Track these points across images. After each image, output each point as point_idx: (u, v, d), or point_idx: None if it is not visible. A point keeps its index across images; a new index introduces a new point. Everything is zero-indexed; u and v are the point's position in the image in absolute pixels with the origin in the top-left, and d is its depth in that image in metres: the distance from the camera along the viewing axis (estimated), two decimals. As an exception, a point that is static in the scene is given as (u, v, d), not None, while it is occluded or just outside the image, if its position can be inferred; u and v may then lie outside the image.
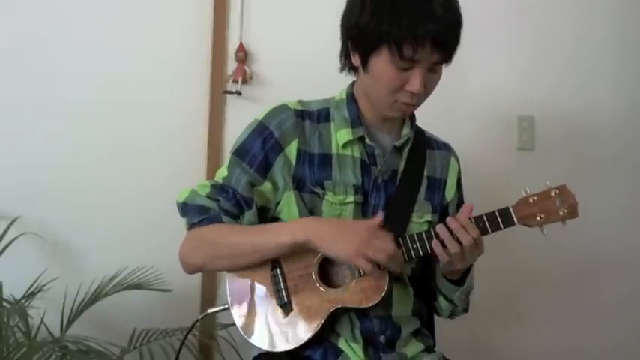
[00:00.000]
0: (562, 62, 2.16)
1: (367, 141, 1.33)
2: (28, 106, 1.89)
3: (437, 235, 1.24)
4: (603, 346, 2.12)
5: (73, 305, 1.71)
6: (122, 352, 1.66)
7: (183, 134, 1.97)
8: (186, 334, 1.43)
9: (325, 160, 1.32)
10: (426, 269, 1.42)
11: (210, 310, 1.41)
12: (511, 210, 1.25)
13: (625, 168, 2.19)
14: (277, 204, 1.33)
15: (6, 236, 1.77)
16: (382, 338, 1.31)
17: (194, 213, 1.32)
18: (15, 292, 1.68)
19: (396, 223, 1.31)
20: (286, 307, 1.28)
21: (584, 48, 2.18)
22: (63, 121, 1.90)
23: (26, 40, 1.90)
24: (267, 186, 1.32)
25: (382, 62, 1.23)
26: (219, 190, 1.32)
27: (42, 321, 1.64)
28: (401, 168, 1.37)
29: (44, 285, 1.71)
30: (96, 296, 1.71)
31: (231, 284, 1.33)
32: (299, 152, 1.31)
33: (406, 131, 1.38)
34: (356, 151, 1.34)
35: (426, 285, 1.44)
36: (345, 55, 1.34)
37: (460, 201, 1.50)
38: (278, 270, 1.29)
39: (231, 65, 1.98)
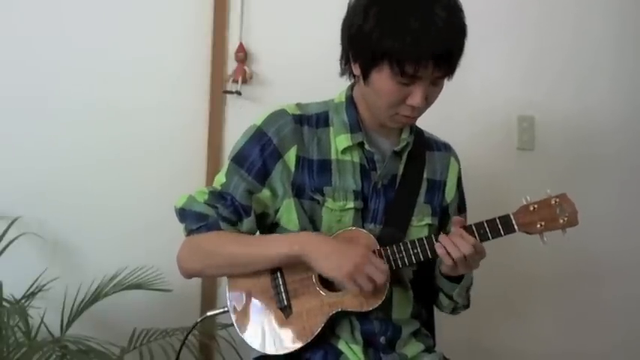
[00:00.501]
0: (562, 62, 2.16)
1: (366, 146, 1.33)
2: (28, 107, 1.89)
3: (440, 243, 1.24)
4: (603, 346, 2.12)
5: (73, 305, 1.71)
6: (122, 352, 1.66)
7: (183, 134, 1.97)
8: (186, 336, 1.43)
9: (324, 165, 1.32)
10: (428, 269, 1.42)
11: (209, 313, 1.40)
12: (512, 217, 1.25)
13: (625, 168, 2.19)
14: (277, 211, 1.33)
15: (6, 236, 1.77)
16: (382, 339, 1.31)
17: (192, 219, 1.32)
18: (15, 292, 1.68)
19: (395, 227, 1.32)
20: (286, 311, 1.28)
21: (584, 48, 2.17)
22: (63, 121, 1.90)
23: (26, 41, 1.90)
24: (265, 193, 1.31)
25: (383, 77, 1.22)
26: (218, 196, 1.32)
27: (42, 321, 1.64)
28: (400, 172, 1.37)
29: (44, 285, 1.71)
30: (96, 296, 1.71)
31: (231, 287, 1.33)
32: (298, 159, 1.31)
33: (405, 135, 1.37)
34: (355, 157, 1.34)
35: (428, 284, 1.44)
36: (345, 61, 1.32)
37: (461, 201, 1.50)
38: (278, 273, 1.29)
39: (231, 65, 1.98)
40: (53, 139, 1.89)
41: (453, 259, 1.23)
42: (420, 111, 1.28)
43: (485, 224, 1.25)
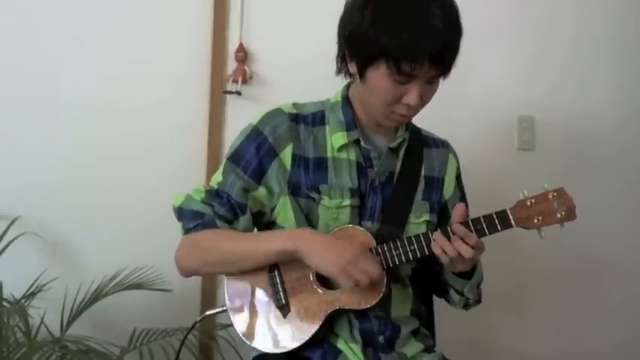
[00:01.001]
0: (562, 62, 2.16)
1: (362, 144, 1.33)
2: (28, 107, 1.88)
3: (436, 242, 1.24)
4: (603, 346, 2.12)
5: (73, 305, 1.71)
6: (122, 352, 1.66)
7: (183, 134, 1.97)
8: (185, 336, 1.43)
9: (321, 163, 1.32)
10: (435, 264, 1.41)
11: (208, 312, 1.41)
12: (509, 212, 1.25)
13: (625, 168, 2.19)
14: (273, 209, 1.34)
15: (6, 236, 1.77)
16: (381, 338, 1.31)
17: (189, 218, 1.33)
18: (15, 292, 1.68)
19: (393, 225, 1.32)
20: (284, 309, 1.28)
21: (584, 48, 2.18)
22: (63, 121, 1.90)
23: (27, 41, 1.90)
24: (261, 191, 1.32)
25: (379, 75, 1.22)
26: (214, 195, 1.32)
27: (42, 321, 1.64)
28: (397, 169, 1.37)
29: (44, 285, 1.71)
30: (96, 296, 1.70)
31: (229, 286, 1.33)
32: (294, 157, 1.31)
33: (401, 132, 1.38)
34: (352, 154, 1.34)
35: (436, 279, 1.44)
36: (342, 59, 1.33)
37: (462, 197, 1.49)
38: (276, 272, 1.29)
39: (231, 65, 1.98)
40: (53, 139, 1.89)
41: (449, 257, 1.23)
42: (415, 110, 1.28)
43: (482, 219, 1.25)
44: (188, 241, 1.34)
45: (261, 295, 1.30)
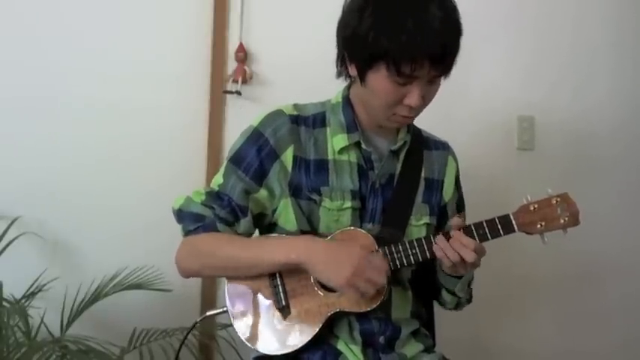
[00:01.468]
0: (562, 63, 2.16)
1: (363, 146, 1.33)
2: (28, 107, 1.88)
3: (437, 245, 1.24)
4: (603, 346, 2.12)
5: (73, 305, 1.71)
6: (122, 352, 1.66)
7: (183, 134, 1.97)
8: (185, 336, 1.43)
9: (321, 165, 1.32)
10: (427, 269, 1.42)
11: (209, 313, 1.41)
12: (511, 217, 1.24)
13: (625, 168, 2.19)
14: (274, 211, 1.33)
15: (6, 236, 1.77)
16: (382, 339, 1.31)
17: (189, 220, 1.33)
18: (15, 292, 1.68)
19: (394, 227, 1.31)
20: (285, 311, 1.28)
21: (583, 48, 2.18)
22: (63, 121, 1.90)
23: (27, 41, 1.90)
24: (262, 193, 1.32)
25: (380, 77, 1.22)
26: (215, 197, 1.32)
27: (42, 321, 1.64)
28: (398, 171, 1.37)
29: (44, 285, 1.71)
30: (96, 296, 1.70)
31: (229, 287, 1.33)
32: (295, 159, 1.31)
33: (402, 134, 1.37)
34: (352, 156, 1.34)
35: (428, 283, 1.44)
36: (342, 62, 1.32)
37: (459, 200, 1.49)
38: (277, 274, 1.29)
39: (231, 65, 1.98)
40: (53, 139, 1.89)
41: (451, 261, 1.22)
42: (417, 111, 1.28)
43: (485, 224, 1.24)
44: (188, 244, 1.33)
45: (261, 297, 1.30)
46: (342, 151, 1.33)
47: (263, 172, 1.31)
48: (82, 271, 1.84)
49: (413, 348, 1.35)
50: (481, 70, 2.05)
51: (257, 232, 1.39)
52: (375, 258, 1.24)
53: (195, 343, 1.77)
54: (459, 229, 1.24)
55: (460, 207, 1.49)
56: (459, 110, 2.06)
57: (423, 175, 1.40)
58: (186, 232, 1.34)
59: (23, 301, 1.66)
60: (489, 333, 2.09)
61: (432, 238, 1.26)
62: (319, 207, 1.30)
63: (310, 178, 1.31)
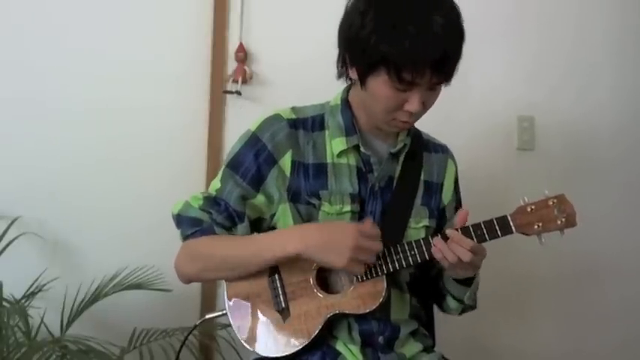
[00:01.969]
0: (563, 63, 2.16)
1: (362, 149, 1.32)
2: (29, 107, 1.89)
3: (435, 247, 1.24)
4: (603, 347, 2.12)
5: (73, 305, 1.71)
6: (122, 352, 1.66)
7: (183, 134, 1.97)
8: (185, 338, 1.43)
9: (320, 169, 1.31)
10: (431, 269, 1.42)
11: (208, 316, 1.40)
12: (509, 218, 1.25)
13: (625, 168, 2.19)
14: (272, 215, 1.33)
15: (6, 236, 1.77)
16: (381, 339, 1.31)
17: (187, 225, 1.33)
18: (15, 292, 1.68)
19: (393, 230, 1.31)
20: (284, 313, 1.28)
21: (585, 49, 2.18)
22: (63, 121, 1.90)
23: (26, 41, 1.90)
24: (260, 199, 1.31)
25: (380, 83, 1.21)
26: (212, 202, 1.32)
27: (42, 321, 1.64)
28: (397, 174, 1.36)
29: (44, 285, 1.72)
30: (96, 296, 1.71)
31: (229, 289, 1.33)
32: (293, 163, 1.31)
33: (402, 137, 1.37)
34: (351, 160, 1.33)
35: (433, 285, 1.44)
36: (342, 64, 1.31)
37: (458, 203, 1.49)
38: (276, 276, 1.29)
39: (231, 65, 1.98)
40: (53, 139, 1.89)
41: (450, 262, 1.22)
42: (417, 116, 1.27)
43: (483, 225, 1.24)
44: (187, 248, 1.34)
45: (260, 299, 1.30)
46: (340, 154, 1.32)
47: (260, 177, 1.30)
48: (82, 271, 1.84)
49: (412, 348, 1.35)
50: (481, 70, 2.05)
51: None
52: (366, 226, 1.24)
53: (196, 344, 1.77)
54: (457, 229, 1.24)
55: (458, 210, 1.49)
56: (459, 110, 2.06)
57: (422, 177, 1.40)
58: (185, 237, 1.34)
59: (23, 301, 1.66)
60: (489, 333, 2.09)
61: (430, 239, 1.26)
62: (318, 211, 1.29)
63: (309, 182, 1.30)
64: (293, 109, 1.36)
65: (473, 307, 1.46)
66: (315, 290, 1.27)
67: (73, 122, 1.90)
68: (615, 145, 2.18)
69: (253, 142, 1.32)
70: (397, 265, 1.26)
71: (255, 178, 1.30)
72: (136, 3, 1.96)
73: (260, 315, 1.29)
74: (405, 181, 1.36)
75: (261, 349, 1.28)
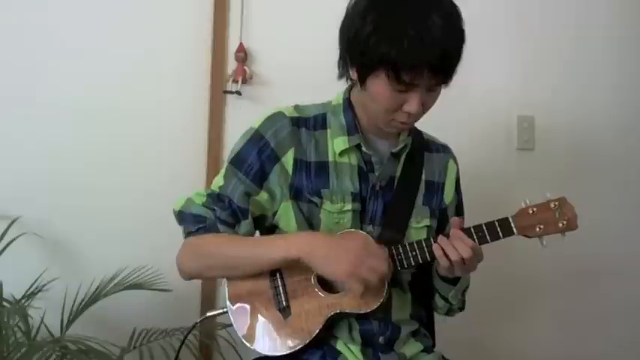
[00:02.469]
0: (563, 62, 2.16)
1: (364, 149, 1.33)
2: (28, 107, 1.89)
3: (438, 244, 1.24)
4: (603, 348, 2.12)
5: (73, 305, 1.71)
6: (122, 352, 1.66)
7: (183, 134, 1.97)
8: (185, 337, 1.43)
9: (322, 168, 1.32)
10: (427, 271, 1.42)
11: (209, 314, 1.41)
12: (511, 220, 1.25)
13: (625, 168, 2.19)
14: (275, 213, 1.33)
15: (6, 236, 1.77)
16: (381, 339, 1.31)
17: (190, 222, 1.33)
18: (15, 292, 1.68)
19: (394, 229, 1.31)
20: (285, 312, 1.28)
21: (585, 48, 2.18)
22: (63, 121, 1.90)
23: (27, 41, 1.90)
24: (263, 196, 1.32)
25: (379, 84, 1.21)
26: (215, 199, 1.32)
27: (42, 321, 1.64)
28: (398, 173, 1.37)
29: (44, 285, 1.71)
30: (96, 296, 1.70)
31: (230, 288, 1.33)
32: (295, 161, 1.31)
33: (403, 137, 1.37)
34: (353, 159, 1.33)
35: (426, 285, 1.44)
36: (343, 64, 1.32)
37: (459, 203, 1.49)
38: (278, 275, 1.29)
39: (231, 65, 1.98)
40: (53, 139, 1.89)
41: (451, 261, 1.23)
42: (416, 117, 1.28)
43: (484, 227, 1.25)
44: (189, 245, 1.33)
45: (262, 298, 1.30)
46: (342, 153, 1.33)
47: (263, 174, 1.31)
48: (82, 271, 1.84)
49: (412, 348, 1.35)
50: (481, 69, 2.05)
51: (257, 234, 1.39)
52: (374, 247, 1.24)
53: (196, 343, 1.77)
54: (459, 229, 1.24)
55: (459, 211, 1.49)
56: (459, 110, 2.05)
57: (423, 177, 1.40)
58: (188, 234, 1.34)
59: (23, 301, 1.66)
60: (489, 333, 2.09)
61: (431, 239, 1.26)
62: (320, 210, 1.29)
63: (311, 180, 1.31)
64: (296, 107, 1.37)
65: (461, 309, 1.46)
66: (317, 289, 1.27)
67: (73, 122, 1.90)
68: (615, 145, 2.18)
69: (256, 139, 1.32)
70: (398, 266, 1.26)
71: (259, 174, 1.31)
72: (136, 3, 1.96)
73: (261, 313, 1.29)
74: (406, 181, 1.37)
75: (261, 347, 1.28)
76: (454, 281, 1.35)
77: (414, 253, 1.26)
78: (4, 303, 1.62)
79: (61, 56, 1.91)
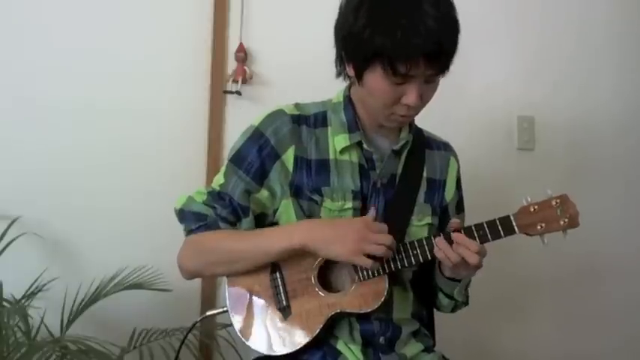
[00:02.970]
0: (563, 62, 2.16)
1: (365, 146, 1.33)
2: (28, 107, 1.89)
3: (438, 247, 1.23)
4: (604, 348, 2.12)
5: (73, 305, 1.70)
6: (122, 352, 1.66)
7: (183, 134, 1.97)
8: (185, 336, 1.43)
9: (323, 165, 1.32)
10: (428, 270, 1.41)
11: (209, 313, 1.41)
12: (512, 218, 1.24)
13: (625, 168, 2.19)
14: (275, 211, 1.33)
15: (6, 236, 1.77)
16: (382, 339, 1.31)
17: (191, 219, 1.33)
18: (15, 292, 1.68)
19: (395, 227, 1.30)
20: (285, 311, 1.28)
21: (585, 48, 2.18)
22: (63, 121, 1.90)
23: (26, 41, 1.90)
24: (263, 193, 1.32)
25: (376, 77, 1.21)
26: (216, 197, 1.32)
27: (42, 321, 1.63)
28: (399, 171, 1.36)
29: (44, 285, 1.71)
30: (96, 296, 1.70)
31: (230, 287, 1.33)
32: (296, 159, 1.31)
33: (404, 134, 1.37)
34: (354, 156, 1.33)
35: (427, 284, 1.44)
36: (340, 62, 1.32)
37: (460, 201, 1.49)
38: (278, 274, 1.29)
39: (231, 65, 1.98)
40: (53, 139, 1.89)
41: (453, 263, 1.22)
42: (416, 110, 1.27)
43: (485, 225, 1.24)
44: (191, 243, 1.34)
45: (262, 297, 1.30)
46: (343, 151, 1.33)
47: (264, 172, 1.31)
48: (82, 271, 1.84)
49: (413, 348, 1.35)
50: (481, 69, 2.05)
51: (258, 230, 1.39)
52: (374, 223, 1.23)
53: (196, 343, 1.77)
54: (459, 231, 1.24)
55: (460, 208, 1.49)
56: (458, 110, 2.06)
57: (424, 175, 1.39)
58: (189, 232, 1.34)
59: (23, 301, 1.66)
60: (489, 333, 2.09)
61: (432, 239, 1.25)
62: (320, 207, 1.29)
63: (311, 178, 1.31)
64: (296, 105, 1.37)
65: (465, 304, 1.46)
66: (317, 289, 1.27)
67: (74, 122, 1.91)
68: (615, 144, 2.18)
69: (256, 136, 1.32)
70: (399, 265, 1.26)
71: (259, 172, 1.31)
72: (136, 3, 1.96)
73: (261, 313, 1.29)
74: (408, 179, 1.36)
75: (261, 347, 1.28)
76: (456, 279, 1.34)
77: (414, 251, 1.26)
78: (4, 303, 1.62)
79: (60, 56, 1.91)
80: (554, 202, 1.24)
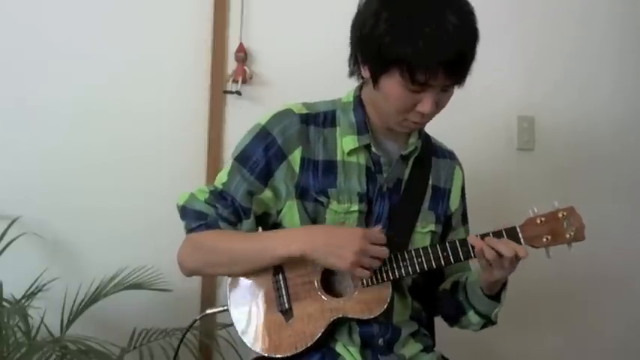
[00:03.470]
0: (563, 62, 2.16)
1: (373, 149, 1.31)
2: (29, 107, 1.89)
3: (473, 243, 1.22)
4: (604, 349, 2.12)
5: (73, 305, 1.71)
6: (122, 352, 1.66)
7: (183, 134, 1.97)
8: (184, 334, 1.43)
9: (330, 166, 1.30)
10: (432, 277, 1.41)
11: (209, 311, 1.41)
12: (518, 230, 1.23)
13: (625, 168, 2.19)
14: (279, 211, 1.32)
15: (6, 236, 1.77)
16: (381, 341, 1.30)
17: (192, 218, 1.32)
18: (15, 292, 1.68)
19: (399, 233, 1.30)
20: (287, 314, 1.27)
21: (585, 49, 2.18)
22: (63, 121, 1.90)
23: (26, 42, 1.90)
24: (267, 194, 1.31)
25: (393, 83, 1.20)
26: (218, 196, 1.31)
27: (42, 321, 1.64)
28: (405, 176, 1.35)
29: (44, 285, 1.71)
30: (96, 296, 1.71)
31: (232, 286, 1.32)
32: (303, 160, 1.29)
33: (413, 139, 1.36)
34: (361, 159, 1.32)
35: (429, 292, 1.43)
36: (354, 62, 1.30)
37: (464, 211, 1.48)
38: (281, 276, 1.28)
39: (231, 65, 1.98)
40: (53, 140, 1.89)
41: (487, 259, 1.20)
42: (429, 117, 1.26)
43: (492, 235, 1.23)
44: (191, 241, 1.33)
45: (264, 298, 1.29)
46: (351, 152, 1.31)
47: (269, 171, 1.30)
48: (82, 271, 1.84)
49: (412, 348, 1.35)
50: (481, 69, 2.03)
51: (260, 230, 1.38)
52: (373, 233, 1.23)
53: (195, 343, 1.77)
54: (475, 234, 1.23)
55: (464, 219, 1.49)
56: (458, 110, 2.02)
57: (430, 182, 1.39)
58: (189, 230, 1.33)
59: (23, 301, 1.66)
60: (489, 334, 2.08)
61: (438, 247, 1.25)
62: (326, 209, 1.28)
63: (318, 179, 1.29)
64: (304, 104, 1.35)
65: (494, 323, 1.43)
66: (319, 293, 1.27)
67: (73, 123, 1.90)
68: (616, 145, 2.18)
69: (263, 135, 1.30)
70: (403, 272, 1.25)
71: (264, 172, 1.29)
72: (136, 3, 1.96)
73: (262, 314, 1.29)
74: (414, 185, 1.35)
75: (261, 348, 1.27)
76: (498, 297, 1.33)
77: (419, 260, 1.25)
78: (4, 303, 1.62)
79: (60, 57, 1.91)
80: (560, 215, 1.23)
